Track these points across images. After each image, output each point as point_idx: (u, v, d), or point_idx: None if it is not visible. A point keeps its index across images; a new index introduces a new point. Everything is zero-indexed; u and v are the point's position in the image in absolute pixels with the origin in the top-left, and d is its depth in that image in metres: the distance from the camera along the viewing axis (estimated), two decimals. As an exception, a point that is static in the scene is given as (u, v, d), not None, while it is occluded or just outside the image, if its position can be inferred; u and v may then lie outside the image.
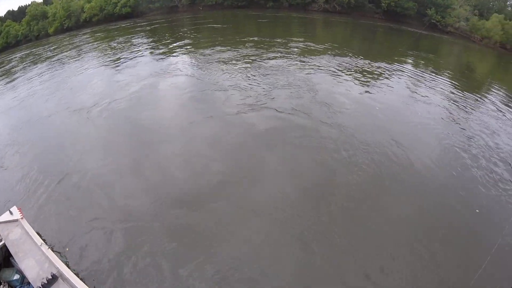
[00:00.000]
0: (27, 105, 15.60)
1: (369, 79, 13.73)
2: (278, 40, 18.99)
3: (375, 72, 14.67)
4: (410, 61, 18.21)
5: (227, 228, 6.25)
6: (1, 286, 4.38)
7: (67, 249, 5.95)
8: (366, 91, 12.37)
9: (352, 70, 14.62)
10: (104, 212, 6.94)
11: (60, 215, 7.00)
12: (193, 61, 15.99)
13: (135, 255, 5.77)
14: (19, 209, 4.94)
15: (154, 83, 13.91)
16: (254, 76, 13.29)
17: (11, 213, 4.88)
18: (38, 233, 4.56)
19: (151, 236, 6.16)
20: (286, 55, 16.02)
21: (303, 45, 18.21)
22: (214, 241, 5.93)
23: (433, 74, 16.01)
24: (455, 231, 6.36)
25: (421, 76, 15.48)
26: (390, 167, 8.04)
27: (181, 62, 16.32)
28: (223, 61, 15.33)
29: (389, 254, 5.72)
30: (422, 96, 12.68)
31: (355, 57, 16.52)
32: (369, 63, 15.87)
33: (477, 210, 6.91)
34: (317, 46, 18.43)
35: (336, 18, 28.43)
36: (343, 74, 13.96)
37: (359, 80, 13.47)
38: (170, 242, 6.00)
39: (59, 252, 5.72)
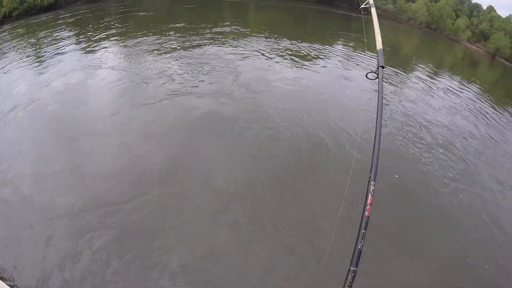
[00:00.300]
0: None
1: (299, 61, 14.06)
2: (209, 25, 18.65)
3: (306, 54, 15.07)
4: (340, 42, 18.99)
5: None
6: None
7: (16, 268, 5.51)
8: (295, 72, 12.61)
9: (283, 52, 14.79)
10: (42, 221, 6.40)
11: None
12: (119, 53, 15.26)
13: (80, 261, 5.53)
14: None
15: (80, 79, 13.04)
16: (182, 63, 12.81)
17: None
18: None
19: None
20: (216, 41, 15.69)
21: (235, 29, 18.06)
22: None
23: (362, 53, 16.87)
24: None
25: (350, 55, 16.21)
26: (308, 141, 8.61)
27: (107, 54, 15.43)
28: (150, 51, 14.75)
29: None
30: (351, 74, 13.30)
31: (286, 40, 16.73)
32: (299, 45, 16.25)
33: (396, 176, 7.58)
34: (248, 30, 18.37)
35: (267, 2, 28.43)
36: (273, 56, 14.07)
37: (288, 61, 13.68)
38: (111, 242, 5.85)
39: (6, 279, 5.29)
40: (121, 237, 5.96)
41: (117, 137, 9.05)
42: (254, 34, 16.70)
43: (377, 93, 2.90)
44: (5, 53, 22.31)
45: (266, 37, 16.33)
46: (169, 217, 6.42)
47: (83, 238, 5.84)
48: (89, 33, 20.84)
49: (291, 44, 15.68)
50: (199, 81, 11.44)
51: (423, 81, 14.60)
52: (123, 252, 5.78)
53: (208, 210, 6.51)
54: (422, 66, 17.66)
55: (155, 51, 14.85)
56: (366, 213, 1.97)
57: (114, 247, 5.85)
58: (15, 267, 5.45)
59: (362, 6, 4.30)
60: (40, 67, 16.83)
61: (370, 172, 2.19)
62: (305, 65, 13.19)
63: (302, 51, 14.82)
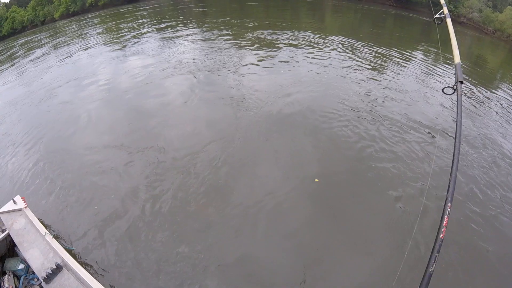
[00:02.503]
0: (30, 89, 15.71)
1: (377, 67, 13.41)
2: (286, 25, 18.38)
3: (380, 63, 14.32)
4: (417, 51, 17.73)
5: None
6: (6, 275, 4.39)
7: (72, 238, 5.93)
8: (373, 78, 12.09)
9: (361, 58, 14.25)
10: (109, 198, 6.95)
11: (63, 202, 6.99)
12: (200, 48, 15.72)
13: (142, 243, 5.77)
14: (23, 198, 4.92)
15: (155, 65, 13.89)
16: (264, 67, 13.02)
17: (14, 202, 4.87)
18: (42, 222, 4.54)
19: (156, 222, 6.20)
20: (294, 44, 15.61)
21: (312, 32, 17.65)
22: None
23: (445, 65, 15.61)
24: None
25: (427, 66, 15.10)
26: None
27: (183, 47, 16.15)
28: (227, 49, 15.05)
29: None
30: (426, 87, 12.39)
31: (362, 46, 16.07)
32: (378, 51, 15.48)
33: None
34: (326, 34, 17.96)
35: (346, 3, 27.33)
36: (348, 63, 13.64)
37: (366, 69, 13.14)
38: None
39: (64, 241, 5.73)
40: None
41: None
42: (330, 38, 16.26)
43: (454, 110, 2.63)
44: (91, 37, 24.96)
45: (347, 42, 15.79)
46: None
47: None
48: (172, 25, 22.25)
49: (367, 50, 15.02)
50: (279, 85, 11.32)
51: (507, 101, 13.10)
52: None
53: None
54: (507, 85, 15.79)
55: (235, 51, 14.99)
56: (441, 236, 1.87)
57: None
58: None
59: (436, 16, 4.00)
60: (121, 51, 18.19)
61: (447, 193, 2.07)
62: (379, 75, 12.55)
63: (377, 60, 14.10)
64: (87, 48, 21.03)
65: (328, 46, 15.13)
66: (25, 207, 4.74)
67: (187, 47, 16.51)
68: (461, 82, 2.93)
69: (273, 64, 13.10)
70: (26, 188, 7.65)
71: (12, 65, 24.63)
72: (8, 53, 31.29)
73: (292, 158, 7.71)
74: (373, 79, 11.96)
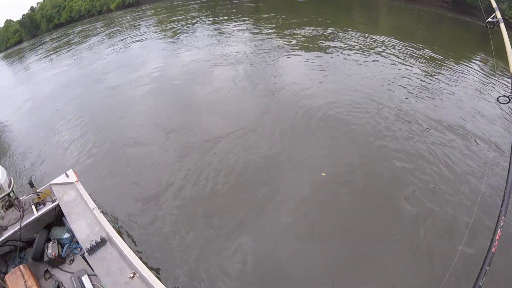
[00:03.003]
0: (83, 72, 16.70)
1: (428, 72, 12.33)
2: (337, 24, 17.54)
3: (435, 66, 13.14)
4: (475, 57, 16.16)
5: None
6: (51, 242, 4.59)
7: (117, 215, 6.16)
8: (422, 84, 11.09)
9: (411, 61, 13.15)
10: (157, 180, 7.04)
11: (111, 180, 7.23)
12: (245, 42, 15.67)
13: (187, 224, 5.77)
14: (75, 172, 5.11)
15: (205, 61, 14.00)
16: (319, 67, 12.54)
17: (67, 175, 5.07)
18: (91, 197, 4.68)
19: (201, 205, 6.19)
20: (343, 43, 14.87)
21: (364, 32, 16.63)
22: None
23: (499, 73, 14.08)
24: None
25: (486, 74, 13.61)
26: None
27: (234, 42, 16.17)
28: (273, 44, 14.81)
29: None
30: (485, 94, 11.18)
31: (417, 48, 14.82)
32: (429, 55, 14.20)
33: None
34: (377, 34, 16.85)
35: (400, 3, 25.72)
36: (402, 66, 12.66)
37: (416, 74, 12.10)
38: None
39: (109, 216, 5.96)
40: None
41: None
42: (382, 39, 15.17)
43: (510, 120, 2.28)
44: (143, 28, 26.08)
45: (393, 45, 14.61)
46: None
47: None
48: (216, 19, 22.56)
49: (419, 54, 13.80)
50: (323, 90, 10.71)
51: None
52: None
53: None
54: None
55: (275, 44, 14.76)
56: (493, 249, 1.80)
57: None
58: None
59: (488, 20, 3.70)
60: (171, 43, 18.67)
61: (502, 206, 2.00)
62: (430, 80, 11.44)
63: (428, 64, 12.91)
64: (139, 39, 21.95)
65: (378, 47, 14.15)
66: (77, 181, 4.91)
67: (233, 41, 16.49)
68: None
69: (320, 63, 12.47)
70: (78, 163, 8.05)
71: (68, 50, 26.49)
72: (65, 39, 33.72)
73: (319, 156, 7.31)
74: (423, 84, 11.05)
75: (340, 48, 13.95)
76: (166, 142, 8.44)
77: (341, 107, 9.10)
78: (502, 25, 3.51)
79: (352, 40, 14.96)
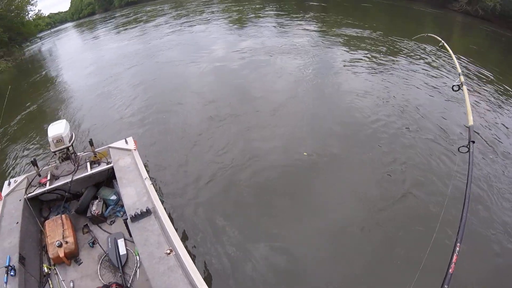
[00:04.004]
0: (147, 47, 17.50)
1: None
2: (406, 36, 16.23)
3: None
4: None
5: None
6: (97, 200, 4.68)
7: (167, 189, 6.08)
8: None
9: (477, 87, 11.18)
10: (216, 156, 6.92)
11: (166, 153, 7.19)
12: (308, 39, 15.09)
13: (234, 209, 5.54)
14: (135, 141, 5.14)
15: (267, 51, 13.71)
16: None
17: (126, 142, 5.07)
18: (145, 167, 4.70)
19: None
20: (410, 57, 13.40)
21: (434, 48, 14.50)
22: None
23: None
24: None
25: None
26: None
27: (296, 36, 15.77)
28: (342, 43, 14.25)
29: None
30: None
31: (486, 74, 12.64)
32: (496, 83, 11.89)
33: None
34: (447, 51, 14.43)
35: (476, 23, 23.19)
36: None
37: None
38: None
39: (158, 189, 5.86)
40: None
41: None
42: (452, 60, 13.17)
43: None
44: (210, 13, 26.69)
45: (464, 66, 12.52)
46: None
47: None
48: (282, 13, 22.31)
49: (485, 78, 11.50)
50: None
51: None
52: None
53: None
54: None
55: (346, 47, 13.89)
56: (450, 270, 2.01)
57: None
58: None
59: (454, 84, 4.13)
60: (236, 30, 18.85)
61: (457, 234, 2.20)
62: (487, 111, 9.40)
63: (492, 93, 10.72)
64: (204, 23, 22.44)
65: (448, 65, 12.38)
66: (134, 149, 4.94)
67: (296, 36, 15.93)
68: (473, 142, 2.97)
69: (381, 77, 10.93)
70: (135, 132, 8.10)
71: (135, 26, 27.96)
72: (134, 16, 35.70)
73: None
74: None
75: (406, 61, 12.44)
76: (222, 121, 8.27)
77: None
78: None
79: (422, 55, 13.13)
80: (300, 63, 11.89)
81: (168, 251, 3.36)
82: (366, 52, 13.39)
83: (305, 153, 6.69)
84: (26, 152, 8.62)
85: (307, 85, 10.02)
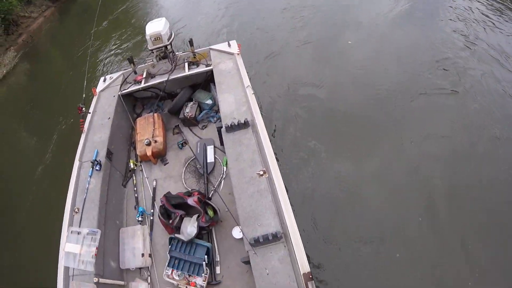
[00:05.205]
0: None
1: None
2: None
3: None
4: None
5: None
6: (192, 102, 4.46)
7: (271, 106, 5.75)
8: None
9: None
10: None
11: (269, 66, 6.71)
12: None
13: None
14: (239, 45, 4.60)
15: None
16: None
17: (229, 45, 4.54)
18: (248, 75, 4.23)
19: None
20: None
21: None
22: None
23: None
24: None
25: None
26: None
27: None
28: None
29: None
30: None
31: None
32: None
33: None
34: None
35: None
36: None
37: None
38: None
39: (260, 102, 5.51)
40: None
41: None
42: None
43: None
44: None
45: None
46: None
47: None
48: None
49: None
50: None
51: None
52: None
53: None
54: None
55: None
56: None
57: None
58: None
59: None
60: None
61: None
62: None
63: None
64: None
65: None
66: (238, 54, 4.43)
67: None
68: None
69: None
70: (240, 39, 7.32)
71: None
72: None
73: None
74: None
75: None
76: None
77: None
78: None
79: None
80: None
81: (262, 172, 2.99)
82: None
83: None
84: (123, 50, 8.86)
85: None
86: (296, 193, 4.33)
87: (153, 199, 3.65)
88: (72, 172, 3.40)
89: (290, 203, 2.71)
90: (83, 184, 3.28)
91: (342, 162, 4.59)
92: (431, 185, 4.20)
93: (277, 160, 3.16)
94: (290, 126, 5.28)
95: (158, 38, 4.36)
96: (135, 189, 3.76)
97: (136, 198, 3.68)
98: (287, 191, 2.78)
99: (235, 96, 3.79)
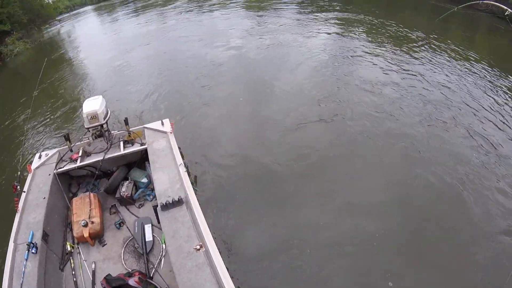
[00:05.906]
0: (163, 27, 18.12)
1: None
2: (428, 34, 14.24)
3: None
4: None
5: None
6: (128, 181, 4.52)
7: (201, 179, 5.79)
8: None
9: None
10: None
11: (205, 143, 6.92)
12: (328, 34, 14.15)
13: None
14: (171, 123, 4.90)
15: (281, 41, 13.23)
16: None
17: (162, 124, 4.86)
18: (181, 153, 4.47)
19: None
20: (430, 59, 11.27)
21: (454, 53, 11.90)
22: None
23: None
24: None
25: None
26: None
27: (316, 30, 14.83)
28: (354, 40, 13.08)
29: None
30: None
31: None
32: None
33: None
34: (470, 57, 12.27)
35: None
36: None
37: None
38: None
39: (192, 179, 5.42)
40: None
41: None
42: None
43: None
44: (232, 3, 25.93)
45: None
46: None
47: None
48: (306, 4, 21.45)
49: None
50: None
51: None
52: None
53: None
54: None
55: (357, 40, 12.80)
56: None
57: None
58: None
59: None
60: (258, 19, 17.91)
61: None
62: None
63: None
64: (223, 10, 21.96)
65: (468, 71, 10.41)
66: (171, 132, 4.72)
67: (317, 30, 15.04)
68: None
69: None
70: (173, 116, 7.63)
71: (153, 10, 27.65)
72: (151, 1, 35.06)
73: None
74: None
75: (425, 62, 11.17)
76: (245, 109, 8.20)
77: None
78: None
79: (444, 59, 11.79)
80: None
81: (198, 247, 3.15)
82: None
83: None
84: (58, 126, 8.80)
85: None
86: (233, 262, 4.35)
87: (93, 282, 3.52)
88: (7, 255, 3.23)
89: (230, 275, 2.84)
90: (18, 267, 3.11)
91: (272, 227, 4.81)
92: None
93: (213, 233, 3.35)
94: (222, 197, 5.43)
95: (95, 117, 4.50)
96: (73, 272, 3.60)
97: (75, 282, 3.51)
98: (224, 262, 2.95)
99: (169, 174, 4.01)
